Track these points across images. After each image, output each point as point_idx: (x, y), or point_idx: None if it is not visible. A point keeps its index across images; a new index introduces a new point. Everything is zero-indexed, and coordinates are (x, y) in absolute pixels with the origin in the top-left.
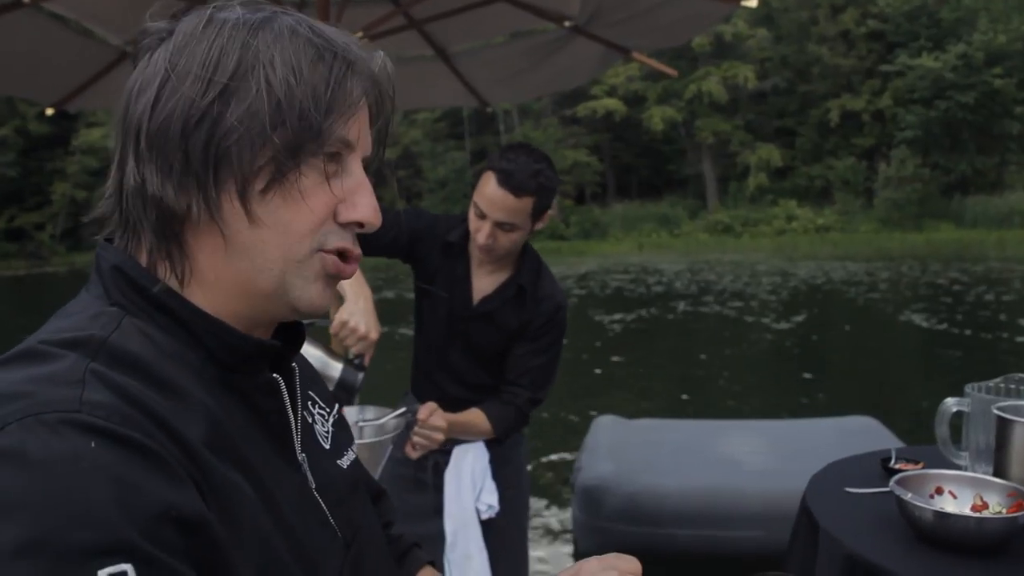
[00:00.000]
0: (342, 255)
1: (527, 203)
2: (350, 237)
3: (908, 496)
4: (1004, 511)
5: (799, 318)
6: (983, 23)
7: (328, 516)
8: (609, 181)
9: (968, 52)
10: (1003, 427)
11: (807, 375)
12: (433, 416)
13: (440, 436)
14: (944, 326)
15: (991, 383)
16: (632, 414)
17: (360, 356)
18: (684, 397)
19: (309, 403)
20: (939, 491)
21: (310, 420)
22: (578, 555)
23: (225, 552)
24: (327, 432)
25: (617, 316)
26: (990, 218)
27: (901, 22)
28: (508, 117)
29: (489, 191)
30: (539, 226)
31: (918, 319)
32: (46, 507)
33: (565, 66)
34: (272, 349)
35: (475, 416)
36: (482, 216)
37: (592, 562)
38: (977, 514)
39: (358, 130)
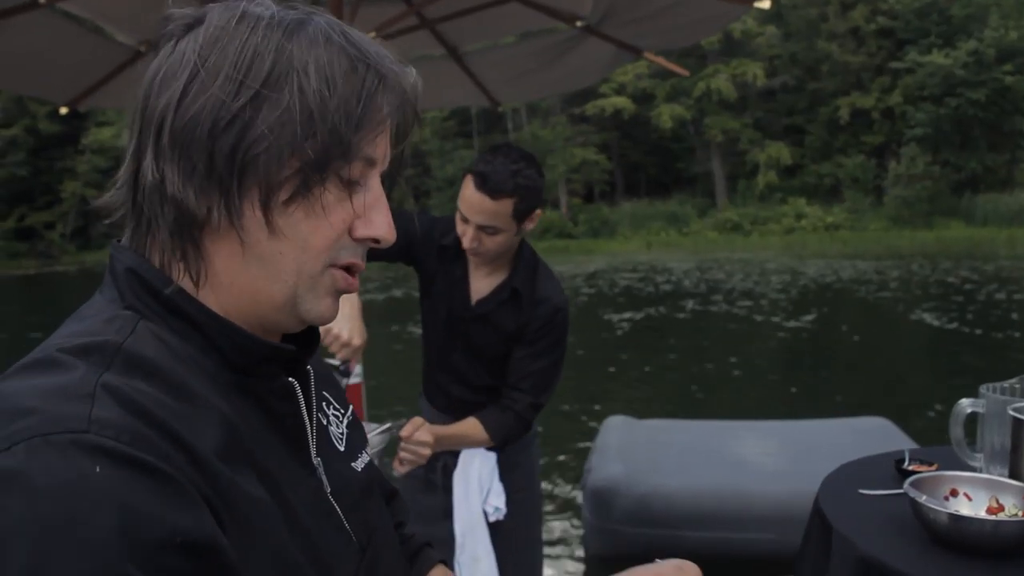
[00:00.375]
0: (348, 269)
1: (506, 205)
2: (361, 252)
3: (922, 498)
4: (1020, 514)
5: (809, 317)
6: (994, 19)
7: (343, 520)
8: (618, 179)
9: (979, 49)
10: (1019, 428)
11: (817, 374)
12: (418, 432)
13: (427, 451)
14: (955, 325)
15: (1006, 384)
16: (642, 413)
17: (345, 362)
18: (694, 396)
19: (324, 404)
20: (954, 493)
21: (325, 422)
22: (588, 558)
23: (237, 571)
24: (341, 434)
25: (626, 315)
26: (1001, 216)
27: (911, 19)
28: (516, 115)
29: (468, 194)
30: (529, 226)
31: (929, 318)
32: (46, 536)
33: (577, 65)
34: (287, 353)
35: (469, 427)
36: (465, 220)
37: (647, 573)
38: (993, 517)
39: (384, 147)
